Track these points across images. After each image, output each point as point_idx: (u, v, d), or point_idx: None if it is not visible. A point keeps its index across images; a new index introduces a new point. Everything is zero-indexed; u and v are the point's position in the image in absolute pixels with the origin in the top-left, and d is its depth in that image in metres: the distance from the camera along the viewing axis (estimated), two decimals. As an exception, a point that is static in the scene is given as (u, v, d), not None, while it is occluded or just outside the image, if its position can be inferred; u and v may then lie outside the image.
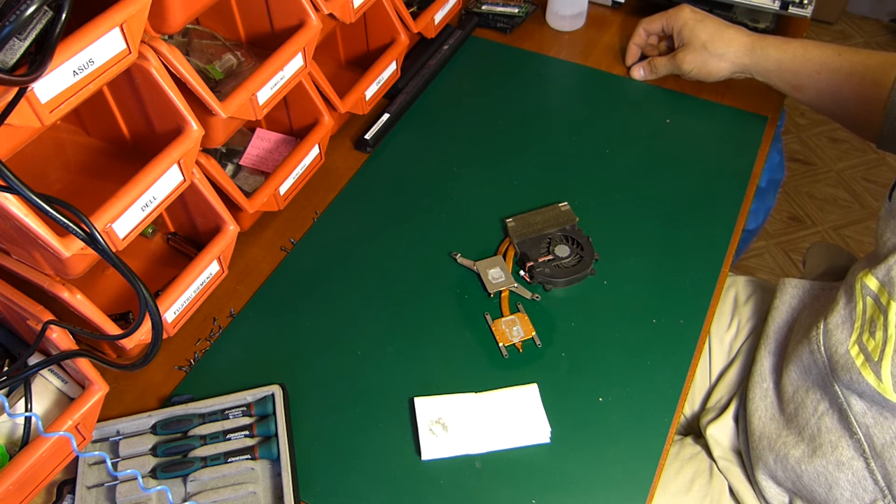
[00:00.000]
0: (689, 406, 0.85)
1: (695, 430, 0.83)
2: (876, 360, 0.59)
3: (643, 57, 0.97)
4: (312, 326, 0.73)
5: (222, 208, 0.68)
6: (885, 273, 0.60)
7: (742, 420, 0.75)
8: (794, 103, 0.90)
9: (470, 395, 0.66)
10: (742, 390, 0.77)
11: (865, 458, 0.62)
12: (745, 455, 0.74)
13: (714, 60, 0.87)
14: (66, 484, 0.61)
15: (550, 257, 0.75)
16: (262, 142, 0.84)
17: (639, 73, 0.96)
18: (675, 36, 0.91)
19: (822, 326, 0.66)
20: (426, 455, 0.63)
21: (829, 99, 0.81)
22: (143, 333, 0.59)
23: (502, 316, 0.72)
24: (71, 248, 0.51)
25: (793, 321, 0.76)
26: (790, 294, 0.77)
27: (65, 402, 0.61)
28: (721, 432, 0.77)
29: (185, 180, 0.61)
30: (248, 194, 0.73)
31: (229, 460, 0.62)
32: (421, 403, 0.66)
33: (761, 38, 0.85)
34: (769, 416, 0.71)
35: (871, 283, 0.61)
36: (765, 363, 0.74)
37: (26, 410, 0.58)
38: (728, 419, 0.77)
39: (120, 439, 0.63)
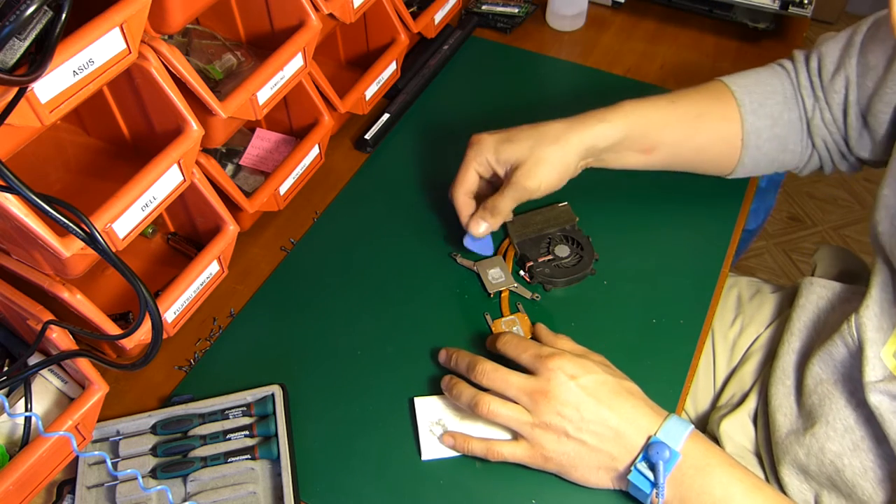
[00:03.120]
0: (694, 406, 0.85)
1: (701, 431, 0.83)
2: None
3: None
4: (313, 326, 0.73)
5: (222, 208, 0.68)
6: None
7: (762, 417, 0.75)
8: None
9: None
10: (761, 388, 0.77)
11: None
12: (766, 452, 0.74)
13: (556, 159, 0.69)
14: (66, 484, 0.61)
15: (550, 257, 0.75)
16: (262, 142, 0.84)
17: (479, 227, 0.72)
18: (495, 166, 0.71)
19: (853, 319, 0.66)
20: (426, 455, 0.63)
21: (686, 148, 0.75)
22: (143, 333, 0.59)
23: (502, 316, 0.72)
24: (71, 248, 0.51)
25: (819, 322, 0.76)
26: (818, 294, 0.77)
27: (65, 402, 0.61)
28: (734, 428, 0.77)
29: (185, 180, 0.61)
30: (248, 194, 0.73)
31: (229, 460, 0.62)
32: (421, 404, 0.66)
33: (593, 112, 0.72)
34: (795, 413, 0.71)
35: None
36: (788, 360, 0.74)
37: (26, 410, 0.58)
38: (742, 416, 0.76)
39: (120, 439, 0.63)
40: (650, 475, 0.56)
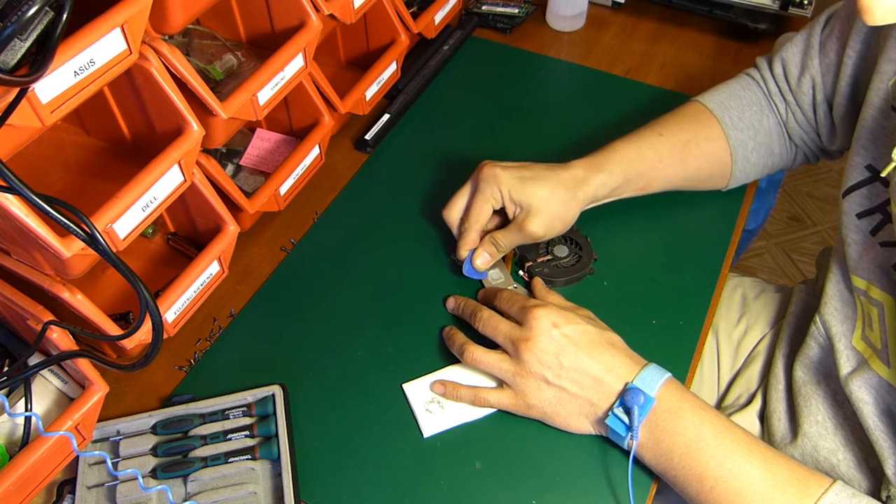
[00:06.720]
0: None
1: None
2: (879, 347, 0.61)
3: None
4: (313, 326, 0.73)
5: (222, 208, 0.68)
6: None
7: (766, 420, 0.76)
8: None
9: (454, 367, 0.68)
10: (763, 390, 0.78)
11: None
12: None
13: (563, 210, 0.71)
14: (66, 484, 0.62)
15: (549, 257, 0.75)
16: (263, 142, 0.84)
17: (484, 259, 0.73)
18: (506, 203, 0.71)
19: (817, 319, 0.69)
20: (427, 433, 0.64)
21: (680, 176, 0.78)
22: (144, 334, 0.59)
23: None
24: (71, 249, 0.51)
25: (800, 326, 0.77)
26: (803, 301, 0.79)
27: (65, 402, 0.61)
28: (742, 425, 0.77)
29: (185, 181, 0.61)
30: (248, 194, 0.73)
31: (230, 460, 0.62)
32: (410, 388, 0.67)
33: (591, 161, 0.74)
34: (787, 417, 0.72)
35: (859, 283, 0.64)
36: (779, 365, 0.75)
37: (26, 410, 0.58)
38: (750, 414, 0.77)
39: (120, 439, 0.63)
40: (626, 419, 0.58)
